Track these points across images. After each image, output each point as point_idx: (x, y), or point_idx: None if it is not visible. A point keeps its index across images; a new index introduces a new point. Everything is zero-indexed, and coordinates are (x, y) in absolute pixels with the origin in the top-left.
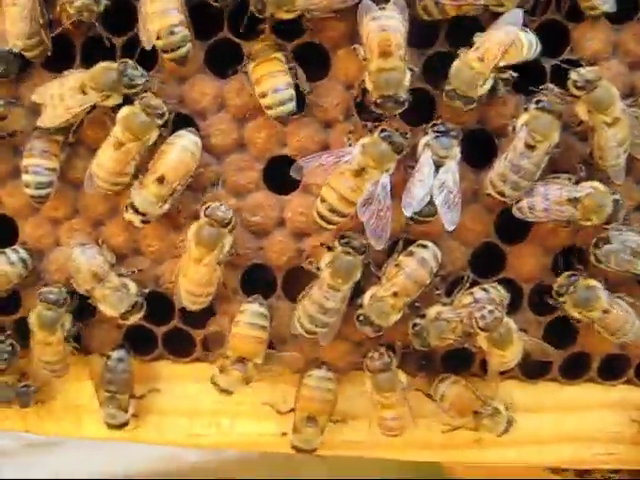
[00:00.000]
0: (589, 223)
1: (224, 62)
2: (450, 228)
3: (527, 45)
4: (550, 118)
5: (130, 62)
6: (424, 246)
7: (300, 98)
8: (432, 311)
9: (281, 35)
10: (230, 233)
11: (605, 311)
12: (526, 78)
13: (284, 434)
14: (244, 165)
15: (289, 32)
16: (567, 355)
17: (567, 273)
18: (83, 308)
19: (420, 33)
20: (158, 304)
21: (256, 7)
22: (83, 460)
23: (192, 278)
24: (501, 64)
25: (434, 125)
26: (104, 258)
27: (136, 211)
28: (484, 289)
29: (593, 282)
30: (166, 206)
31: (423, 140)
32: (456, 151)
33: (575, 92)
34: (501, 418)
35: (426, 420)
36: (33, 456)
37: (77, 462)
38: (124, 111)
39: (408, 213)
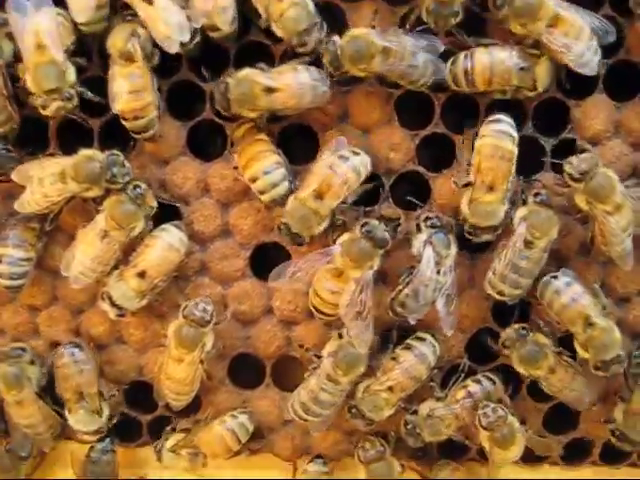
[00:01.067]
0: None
1: (208, 143)
2: (450, 333)
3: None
4: (549, 213)
5: (118, 157)
6: (422, 339)
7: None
8: (424, 407)
9: None
10: (211, 331)
11: (551, 371)
12: (524, 158)
13: None
14: (229, 253)
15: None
16: (568, 440)
17: (517, 326)
18: None
19: (415, 113)
20: (143, 391)
21: (221, 105)
22: None
23: (173, 377)
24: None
25: (427, 219)
26: (94, 373)
27: (113, 303)
28: (477, 381)
29: (543, 339)
30: (144, 301)
31: (421, 237)
32: (454, 249)
33: (572, 184)
34: None
35: None
36: None
37: None
38: (111, 199)
39: (413, 321)
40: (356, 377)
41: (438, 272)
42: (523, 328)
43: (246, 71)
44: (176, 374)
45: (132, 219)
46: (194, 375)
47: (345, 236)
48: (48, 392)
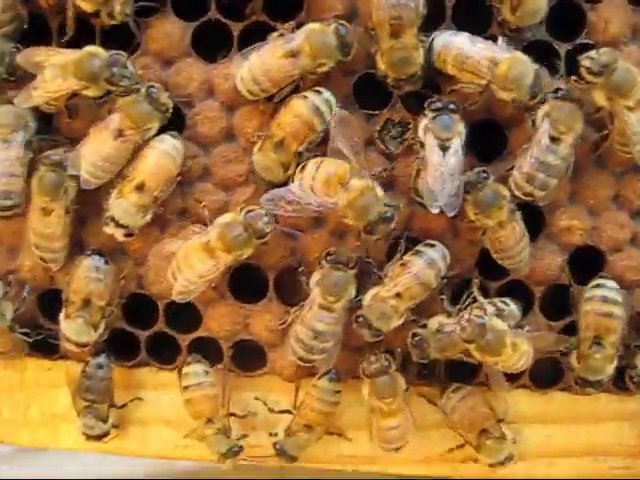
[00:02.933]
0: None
1: (213, 46)
2: (451, 214)
3: None
4: (572, 107)
5: (122, 57)
6: (432, 245)
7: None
8: (434, 322)
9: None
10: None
11: (501, 224)
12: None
13: (273, 434)
14: (233, 157)
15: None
16: None
17: (479, 169)
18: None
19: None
20: (141, 306)
21: None
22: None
23: (194, 266)
24: None
25: (430, 103)
26: (109, 288)
27: (117, 224)
28: (493, 304)
29: (505, 191)
30: (148, 216)
31: (422, 123)
32: (460, 127)
33: (591, 79)
34: (505, 446)
35: (426, 432)
36: (23, 458)
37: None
38: (127, 98)
39: (435, 210)
40: (347, 301)
41: (444, 155)
42: (485, 171)
43: None
44: (199, 266)
45: (148, 119)
46: (214, 276)
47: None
48: None
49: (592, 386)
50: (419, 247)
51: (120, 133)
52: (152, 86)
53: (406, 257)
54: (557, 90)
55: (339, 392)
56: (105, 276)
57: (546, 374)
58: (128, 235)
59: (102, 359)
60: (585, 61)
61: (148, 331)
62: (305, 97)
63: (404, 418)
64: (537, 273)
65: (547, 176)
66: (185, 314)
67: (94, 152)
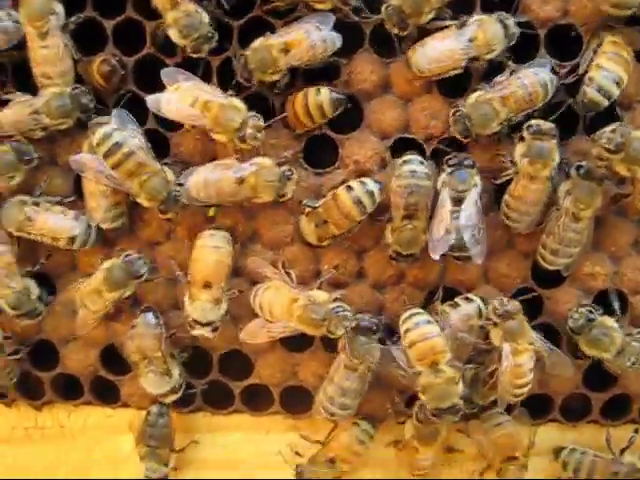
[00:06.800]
0: None
1: None
2: (479, 261)
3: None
4: (592, 185)
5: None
6: (470, 300)
7: (333, 147)
8: (467, 373)
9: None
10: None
11: (533, 178)
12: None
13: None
14: (279, 219)
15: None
16: (608, 397)
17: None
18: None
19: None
20: (196, 357)
21: (243, 76)
22: None
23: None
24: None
25: (447, 160)
26: (159, 340)
27: (202, 325)
28: None
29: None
30: (224, 305)
31: (440, 179)
32: (476, 180)
33: (610, 156)
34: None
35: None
36: None
37: None
38: (266, 161)
39: (435, 256)
40: (372, 364)
41: (459, 206)
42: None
43: (259, 40)
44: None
45: (267, 192)
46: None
47: None
48: None
49: None
50: (457, 299)
51: (242, 181)
52: (291, 171)
53: (443, 307)
54: (579, 167)
55: (372, 437)
56: (149, 330)
57: (575, 408)
58: (215, 330)
59: (162, 408)
60: (602, 142)
61: (204, 380)
62: (350, 188)
63: (437, 452)
64: (563, 316)
65: (571, 248)
66: (236, 362)
67: (213, 181)
